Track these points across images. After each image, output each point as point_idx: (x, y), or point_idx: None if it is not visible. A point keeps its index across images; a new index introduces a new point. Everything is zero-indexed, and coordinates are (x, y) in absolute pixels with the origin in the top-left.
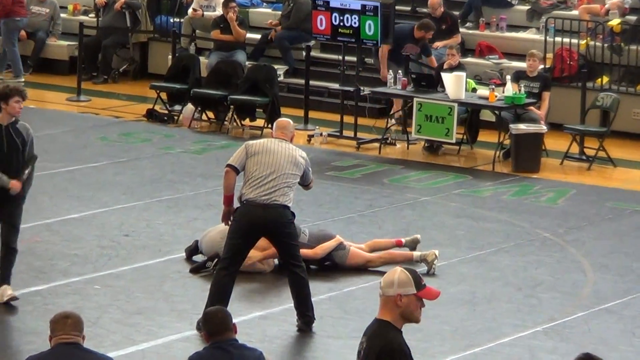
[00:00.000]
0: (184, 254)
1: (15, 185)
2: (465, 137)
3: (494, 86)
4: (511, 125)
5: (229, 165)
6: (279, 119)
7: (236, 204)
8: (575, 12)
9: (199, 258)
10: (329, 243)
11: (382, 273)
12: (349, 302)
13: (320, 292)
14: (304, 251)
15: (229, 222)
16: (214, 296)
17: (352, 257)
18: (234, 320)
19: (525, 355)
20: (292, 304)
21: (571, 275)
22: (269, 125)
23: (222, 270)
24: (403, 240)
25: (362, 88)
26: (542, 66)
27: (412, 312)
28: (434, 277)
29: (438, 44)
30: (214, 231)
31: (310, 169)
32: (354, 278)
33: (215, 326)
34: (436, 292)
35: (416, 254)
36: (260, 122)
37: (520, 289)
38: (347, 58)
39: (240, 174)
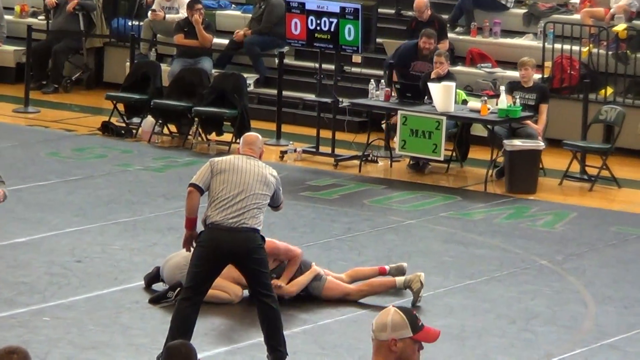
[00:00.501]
0: (142, 282)
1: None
2: (454, 154)
3: (486, 98)
4: (505, 141)
5: (192, 185)
6: (246, 134)
7: (200, 228)
8: (576, 17)
9: (159, 287)
10: (304, 277)
11: (362, 304)
12: (324, 336)
13: (294, 324)
14: (276, 291)
15: (191, 248)
16: (175, 329)
17: (329, 288)
18: (199, 356)
19: None
20: (262, 338)
21: (570, 307)
22: (238, 140)
23: (185, 301)
24: (387, 267)
25: (340, 99)
26: (539, 76)
27: (409, 356)
28: (417, 309)
29: None
30: (178, 257)
31: (281, 188)
32: (330, 310)
33: None
34: (435, 333)
35: (399, 279)
36: (227, 137)
37: (514, 322)
38: (324, 66)
39: (205, 194)
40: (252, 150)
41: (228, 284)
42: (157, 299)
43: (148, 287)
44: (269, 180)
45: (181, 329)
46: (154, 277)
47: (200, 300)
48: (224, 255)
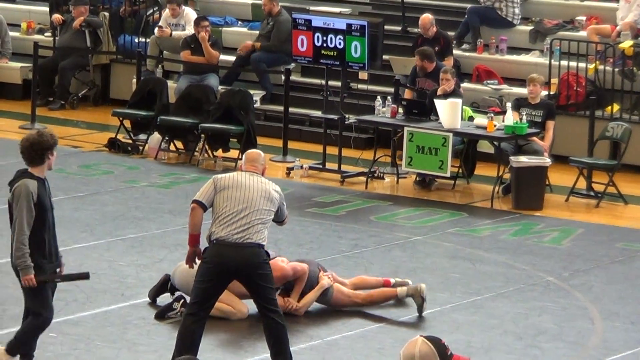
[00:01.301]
0: (148, 299)
1: (28, 280)
2: (460, 170)
3: (492, 114)
4: (511, 158)
5: (195, 202)
6: (248, 151)
7: (204, 244)
8: (583, 33)
9: (164, 301)
10: (313, 294)
11: (369, 315)
12: (331, 353)
13: (300, 340)
14: (285, 307)
15: (194, 265)
16: (181, 344)
17: (336, 297)
18: None
19: None
20: (269, 354)
21: (577, 323)
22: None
23: (190, 317)
24: (392, 280)
25: (347, 116)
26: (545, 92)
27: None
28: (423, 324)
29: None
30: None
31: (285, 203)
32: (338, 325)
33: None
34: None
35: (401, 290)
36: (234, 153)
37: (521, 339)
38: (330, 83)
39: (208, 211)
40: (254, 167)
41: (235, 299)
42: (162, 314)
43: (154, 300)
44: (273, 195)
45: (187, 344)
46: (161, 286)
47: (205, 316)
48: (229, 270)
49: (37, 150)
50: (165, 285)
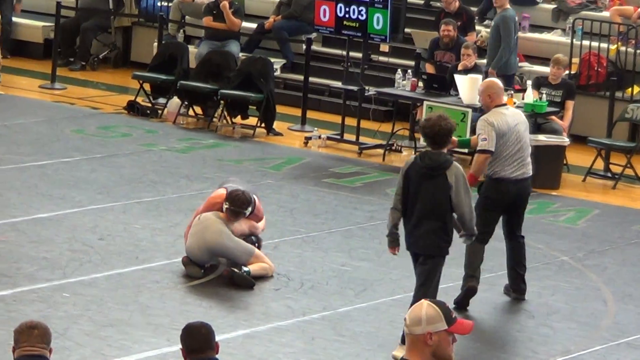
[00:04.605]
0: (162, 262)
1: None
2: None
3: (512, 92)
4: (530, 136)
5: (487, 151)
6: (489, 80)
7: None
8: (605, 14)
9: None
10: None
11: (382, 288)
12: (343, 324)
13: (312, 310)
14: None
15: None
16: (474, 259)
17: None
18: (217, 338)
19: None
20: (280, 322)
21: (590, 304)
22: (262, 125)
23: (478, 240)
24: None
25: (366, 88)
26: (566, 72)
27: (444, 349)
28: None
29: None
30: (208, 224)
31: None
32: (350, 297)
33: (197, 342)
34: (469, 325)
35: None
36: (252, 121)
37: (533, 317)
38: (351, 54)
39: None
40: (502, 99)
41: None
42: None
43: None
44: (527, 123)
45: (478, 259)
46: (193, 267)
47: (487, 239)
48: (506, 204)
49: (447, 135)
50: (193, 263)
